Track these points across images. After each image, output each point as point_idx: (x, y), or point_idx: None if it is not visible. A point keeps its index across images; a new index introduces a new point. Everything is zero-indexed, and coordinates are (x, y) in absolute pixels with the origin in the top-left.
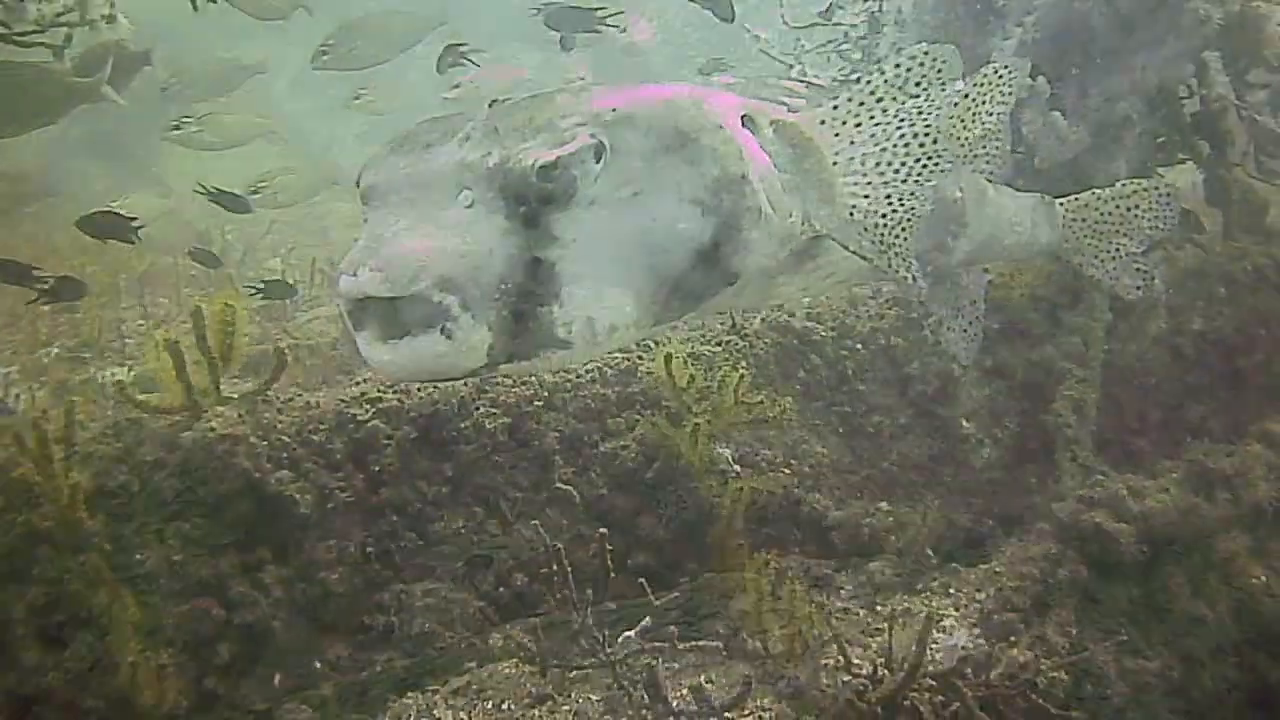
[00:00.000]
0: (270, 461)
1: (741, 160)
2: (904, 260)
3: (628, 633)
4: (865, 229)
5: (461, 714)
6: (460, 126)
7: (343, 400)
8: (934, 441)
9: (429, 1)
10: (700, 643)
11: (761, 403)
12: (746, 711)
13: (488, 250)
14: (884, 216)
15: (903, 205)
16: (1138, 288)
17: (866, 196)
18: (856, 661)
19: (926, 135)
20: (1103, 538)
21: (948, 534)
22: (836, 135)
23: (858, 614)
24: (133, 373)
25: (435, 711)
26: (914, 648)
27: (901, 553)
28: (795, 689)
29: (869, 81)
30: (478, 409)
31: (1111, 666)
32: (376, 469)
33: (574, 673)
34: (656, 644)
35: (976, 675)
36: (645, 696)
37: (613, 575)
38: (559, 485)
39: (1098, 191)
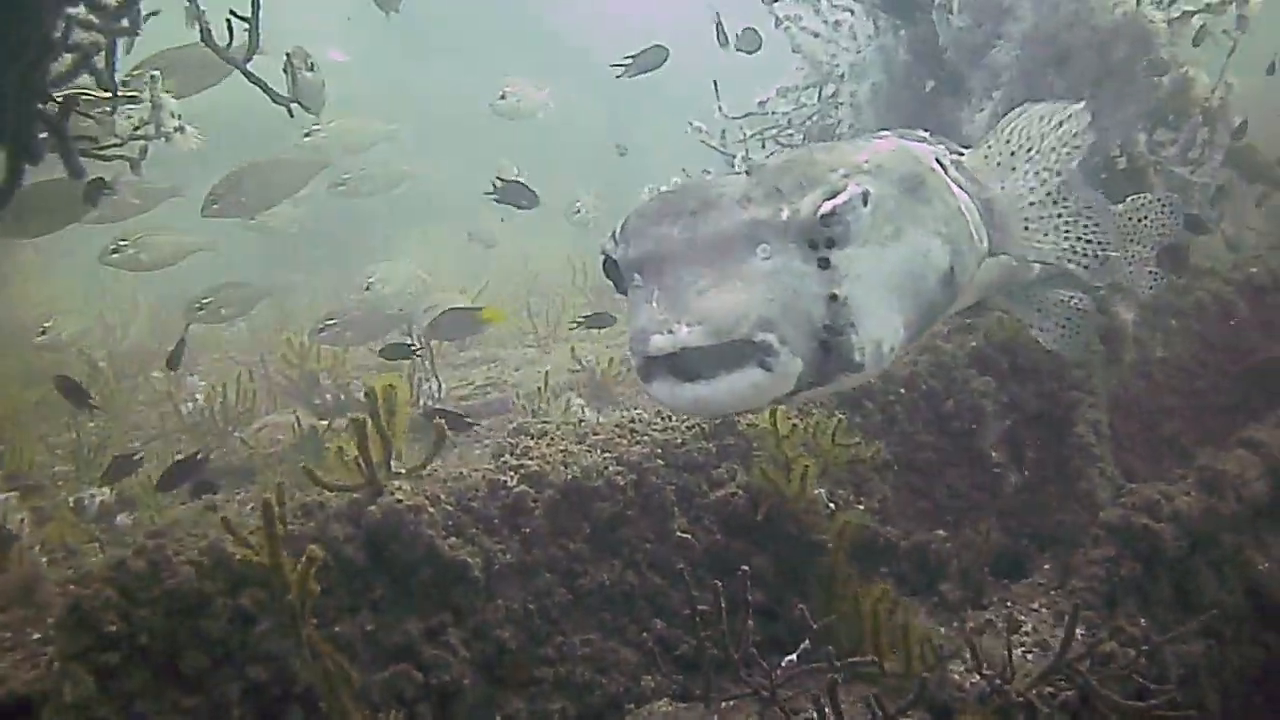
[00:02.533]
0: (443, 529)
1: (954, 195)
2: (1086, 252)
3: (790, 656)
4: (1043, 237)
5: None
6: (720, 190)
7: (490, 468)
8: (972, 471)
9: None
10: (854, 660)
11: (858, 444)
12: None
13: (793, 292)
14: (1058, 222)
15: (1067, 209)
16: (1150, 287)
17: (1034, 203)
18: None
19: (1067, 147)
20: (1150, 537)
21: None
22: (999, 165)
23: (939, 630)
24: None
25: None
26: (1062, 639)
27: (965, 574)
28: (931, 696)
29: (1019, 115)
30: (607, 468)
31: (1168, 651)
32: (527, 530)
33: (728, 702)
34: (815, 665)
35: (1082, 663)
36: (824, 710)
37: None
38: (680, 534)
39: (1114, 207)
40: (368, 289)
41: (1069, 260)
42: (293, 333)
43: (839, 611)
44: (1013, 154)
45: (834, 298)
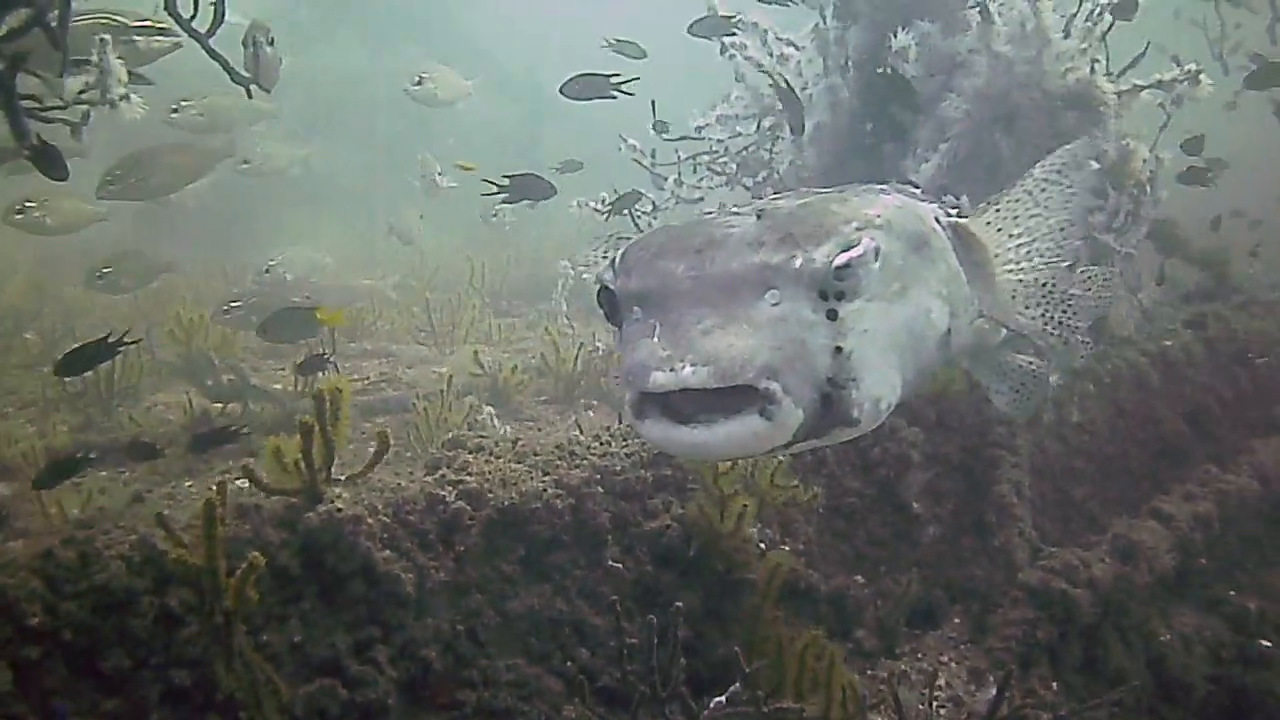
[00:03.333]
0: (378, 541)
1: (954, 256)
2: (1071, 331)
3: (719, 698)
4: (1027, 308)
5: None
6: (727, 230)
7: (428, 482)
8: (893, 520)
9: None
10: (782, 706)
11: (796, 486)
12: None
13: (800, 341)
14: (1046, 298)
15: (1059, 289)
16: (1082, 356)
17: (1021, 280)
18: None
19: (1068, 225)
20: (1067, 603)
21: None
22: (999, 231)
23: (857, 678)
24: None
25: None
26: (992, 702)
27: (881, 622)
28: None
29: (1023, 187)
30: (546, 491)
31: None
32: (461, 548)
33: None
34: (743, 709)
35: None
36: None
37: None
38: (612, 563)
39: None
40: (268, 271)
41: (1043, 334)
42: (180, 308)
43: (762, 652)
44: (1015, 218)
45: (839, 350)
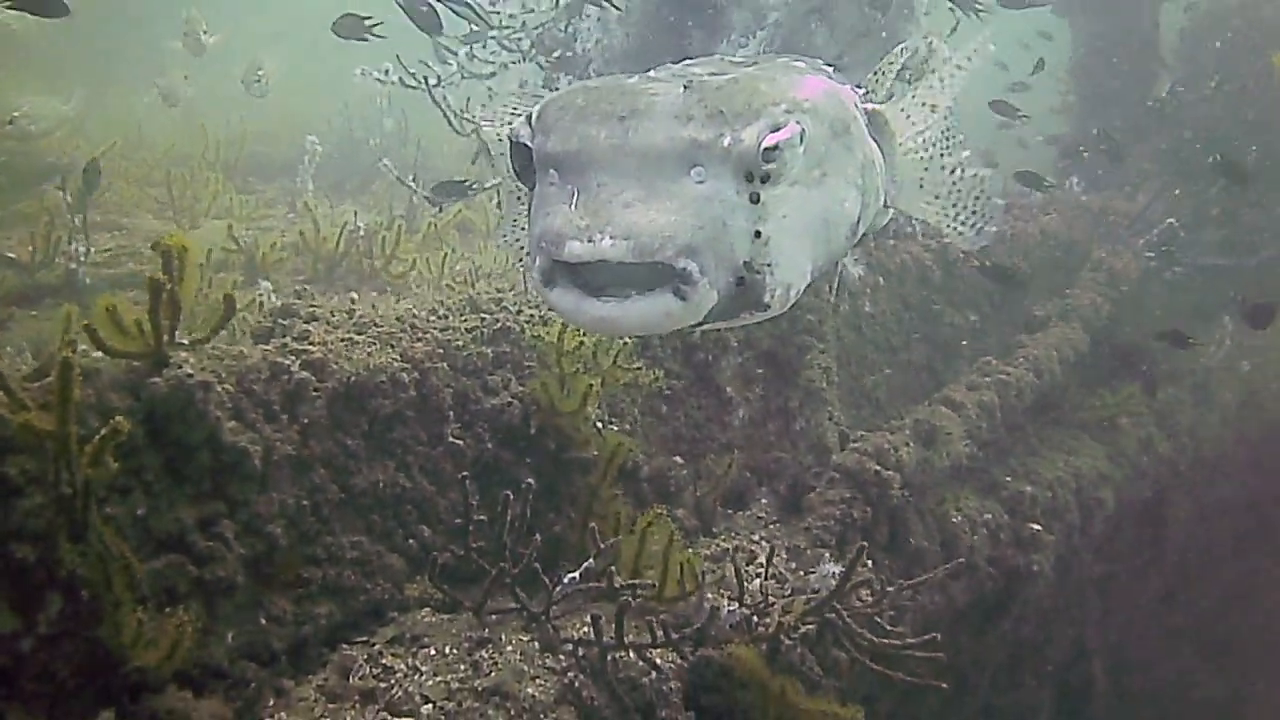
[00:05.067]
0: (226, 411)
1: (871, 145)
2: (970, 220)
3: (571, 574)
4: (935, 197)
5: (409, 660)
6: (651, 99)
7: (269, 350)
8: (709, 403)
9: None
10: (636, 582)
11: (639, 369)
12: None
13: (721, 223)
14: (952, 186)
15: (963, 176)
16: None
17: (928, 169)
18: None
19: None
20: (880, 483)
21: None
22: (910, 120)
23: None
24: None
25: (383, 660)
26: (838, 577)
27: (699, 502)
28: (687, 622)
29: (935, 75)
30: (392, 364)
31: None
32: (306, 421)
33: (494, 616)
34: (595, 585)
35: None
36: (592, 633)
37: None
38: (452, 440)
39: None
40: (10, 124)
41: (953, 224)
42: None
43: (600, 530)
44: (927, 108)
45: (758, 235)
